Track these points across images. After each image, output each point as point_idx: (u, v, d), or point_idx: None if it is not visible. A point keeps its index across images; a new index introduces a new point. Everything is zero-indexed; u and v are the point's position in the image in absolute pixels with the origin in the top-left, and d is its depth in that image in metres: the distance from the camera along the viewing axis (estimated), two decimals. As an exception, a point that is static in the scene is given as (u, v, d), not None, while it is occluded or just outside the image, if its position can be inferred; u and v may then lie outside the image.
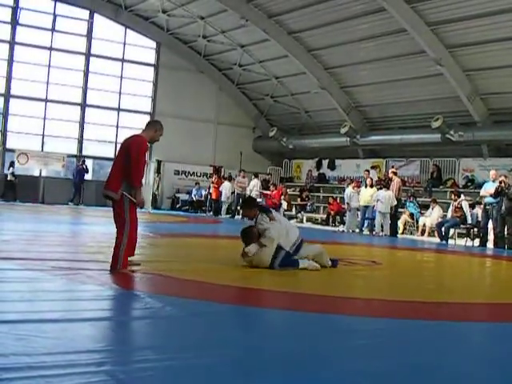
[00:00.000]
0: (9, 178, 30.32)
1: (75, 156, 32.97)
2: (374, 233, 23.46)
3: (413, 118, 28.43)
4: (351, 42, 27.32)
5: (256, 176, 30.24)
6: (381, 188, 23.54)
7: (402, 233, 24.62)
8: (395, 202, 22.79)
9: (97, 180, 32.12)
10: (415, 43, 24.60)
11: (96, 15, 33.16)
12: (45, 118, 32.10)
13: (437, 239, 21.89)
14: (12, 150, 31.34)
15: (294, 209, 31.03)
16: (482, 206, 20.47)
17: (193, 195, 33.93)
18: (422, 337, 5.75)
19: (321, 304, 7.36)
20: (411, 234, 24.59)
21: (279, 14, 28.40)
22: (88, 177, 32.15)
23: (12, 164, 30.66)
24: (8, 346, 4.35)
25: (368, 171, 25.96)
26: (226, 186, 30.59)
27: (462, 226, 21.48)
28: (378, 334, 5.77)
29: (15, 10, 31.21)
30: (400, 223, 24.69)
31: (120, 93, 34.27)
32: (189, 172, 35.51)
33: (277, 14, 28.47)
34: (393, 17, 23.99)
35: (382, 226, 23.05)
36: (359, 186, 25.26)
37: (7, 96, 31.36)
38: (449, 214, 21.92)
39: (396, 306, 7.60)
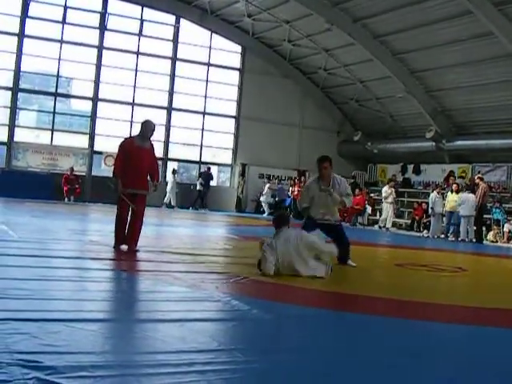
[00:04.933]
0: (198, 188, 32.31)
1: (161, 159, 33.44)
2: (459, 239, 23.10)
3: (501, 122, 27.74)
4: (437, 45, 26.85)
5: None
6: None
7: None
8: (474, 207, 22.42)
9: (183, 182, 33.88)
10: (503, 46, 24.09)
11: (182, 20, 33.60)
12: (131, 121, 32.65)
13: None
14: (99, 153, 32.06)
15: (377, 214, 30.79)
16: None
17: (277, 198, 33.79)
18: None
19: (412, 310, 7.30)
20: (496, 240, 24.07)
21: (364, 18, 28.20)
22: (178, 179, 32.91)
23: (201, 174, 32.76)
24: (99, 344, 4.46)
25: (454, 177, 25.57)
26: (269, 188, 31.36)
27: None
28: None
29: (103, 15, 31.95)
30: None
31: (205, 96, 34.66)
32: (273, 176, 35.60)
33: (362, 18, 28.28)
34: (480, 20, 23.59)
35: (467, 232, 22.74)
36: (444, 189, 25.10)
37: (95, 99, 32.11)
38: (538, 221, 21.46)
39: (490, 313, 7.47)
